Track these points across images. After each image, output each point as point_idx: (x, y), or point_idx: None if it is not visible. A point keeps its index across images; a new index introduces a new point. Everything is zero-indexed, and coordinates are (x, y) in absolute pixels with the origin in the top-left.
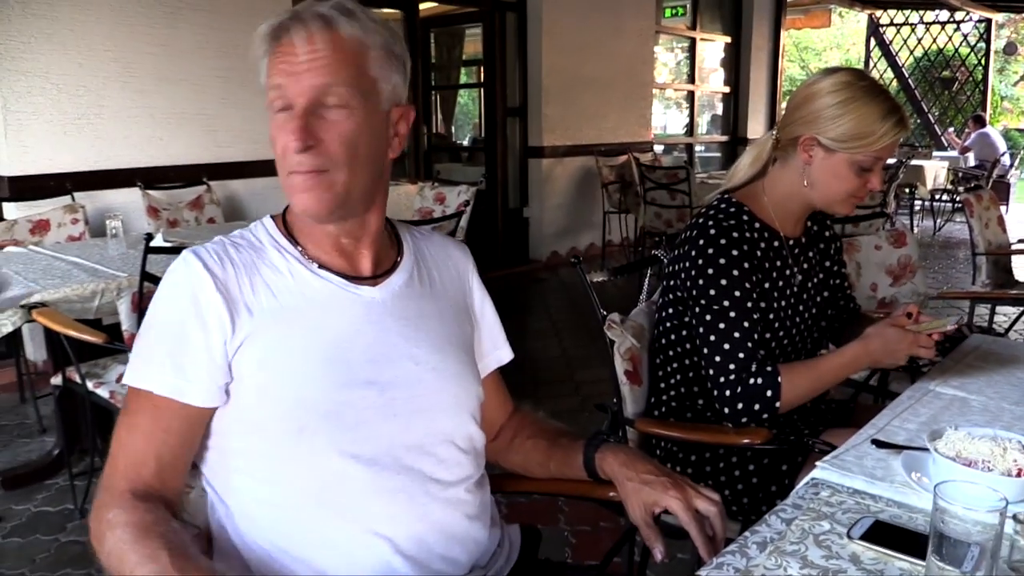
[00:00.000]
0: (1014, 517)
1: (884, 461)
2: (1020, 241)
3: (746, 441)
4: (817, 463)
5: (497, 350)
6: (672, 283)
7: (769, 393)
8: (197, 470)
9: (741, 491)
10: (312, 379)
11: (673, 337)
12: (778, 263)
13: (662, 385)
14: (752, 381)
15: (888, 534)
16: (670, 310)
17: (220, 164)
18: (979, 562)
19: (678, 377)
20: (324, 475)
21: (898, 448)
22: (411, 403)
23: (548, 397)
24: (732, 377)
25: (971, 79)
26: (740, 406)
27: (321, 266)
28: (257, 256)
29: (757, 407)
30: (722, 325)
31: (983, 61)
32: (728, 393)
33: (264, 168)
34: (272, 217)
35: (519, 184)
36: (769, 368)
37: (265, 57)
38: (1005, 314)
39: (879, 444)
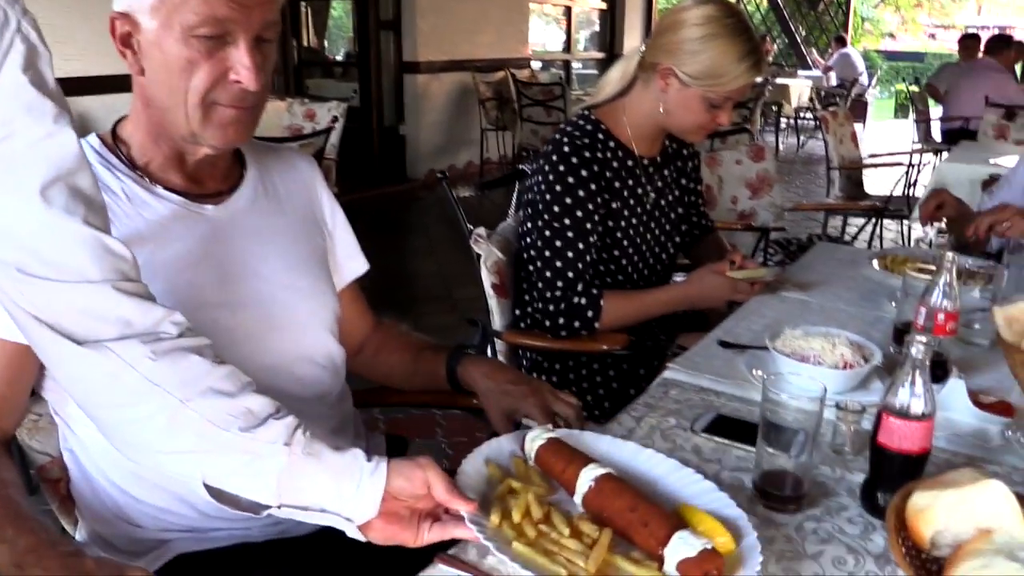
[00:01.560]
0: (836, 405)
1: (729, 360)
2: (871, 156)
3: (604, 348)
4: (668, 364)
5: (352, 261)
6: (528, 197)
7: (589, 314)
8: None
9: (603, 396)
10: None
11: (533, 252)
12: (630, 182)
13: (527, 297)
14: (576, 300)
15: (728, 426)
16: (528, 224)
17: (68, 79)
18: (804, 446)
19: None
20: None
21: (742, 348)
22: (265, 322)
23: (426, 314)
24: (558, 294)
25: (835, 1)
26: (561, 321)
27: (160, 185)
28: None
29: (576, 324)
30: (558, 243)
31: None
32: (552, 308)
33: (120, 83)
34: (98, 136)
35: (395, 101)
36: (594, 291)
37: None
38: (856, 225)
39: (725, 345)
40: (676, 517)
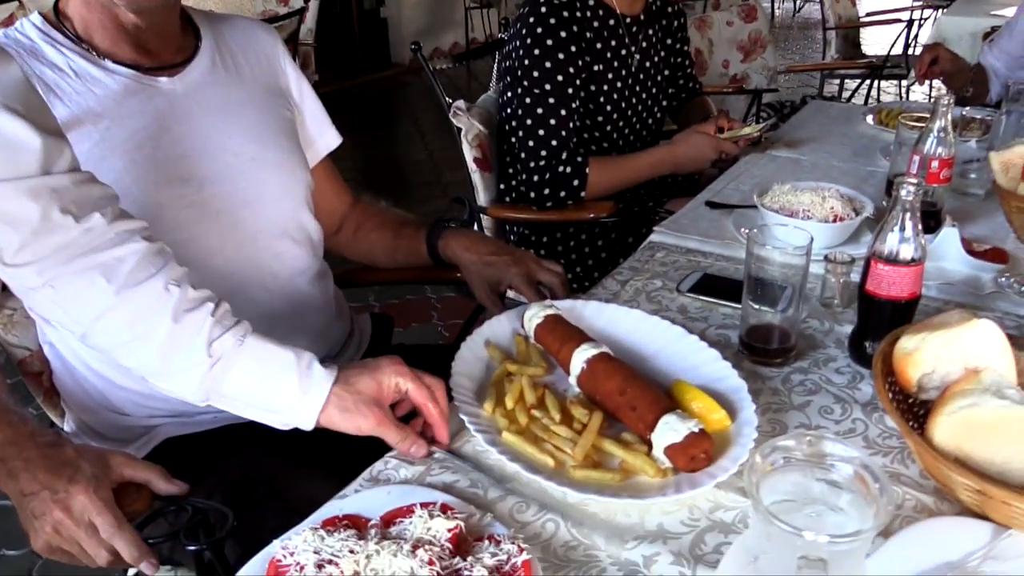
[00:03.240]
0: (826, 258)
1: (716, 221)
2: (869, 15)
3: (591, 216)
4: (654, 228)
5: (323, 135)
6: (506, 64)
7: (575, 182)
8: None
9: (592, 266)
10: (117, 185)
11: (515, 122)
12: (613, 43)
13: (510, 170)
14: (561, 169)
15: (714, 285)
16: (509, 93)
17: None
18: (791, 300)
19: None
20: None
21: (729, 207)
22: (234, 197)
23: (418, 200)
24: (542, 163)
25: None
26: (546, 191)
27: (109, 59)
28: (31, 57)
29: (562, 194)
30: (540, 110)
31: None
32: (536, 178)
33: None
34: (40, 14)
35: None
36: (579, 159)
37: None
38: (852, 89)
39: (712, 205)
40: (666, 399)
